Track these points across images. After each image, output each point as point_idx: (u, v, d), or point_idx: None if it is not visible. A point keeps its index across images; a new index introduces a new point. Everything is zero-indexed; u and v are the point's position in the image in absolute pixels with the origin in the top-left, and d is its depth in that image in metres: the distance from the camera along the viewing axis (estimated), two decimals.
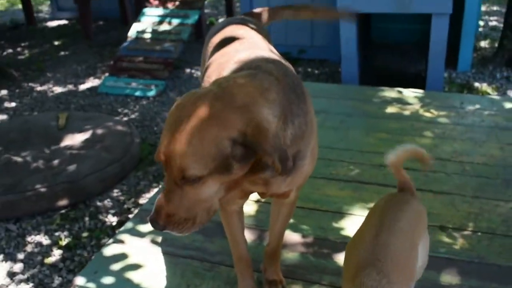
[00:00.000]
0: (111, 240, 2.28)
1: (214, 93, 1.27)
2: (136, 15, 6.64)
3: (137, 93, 5.20)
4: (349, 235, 2.23)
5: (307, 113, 1.42)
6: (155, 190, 3.27)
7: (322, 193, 2.55)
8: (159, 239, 2.25)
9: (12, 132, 3.97)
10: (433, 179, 2.67)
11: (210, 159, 1.19)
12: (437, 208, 2.42)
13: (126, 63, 5.60)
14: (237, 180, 1.29)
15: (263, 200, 2.47)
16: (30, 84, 5.76)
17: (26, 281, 2.66)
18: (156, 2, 6.11)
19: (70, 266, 2.74)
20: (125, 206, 3.25)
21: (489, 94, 4.63)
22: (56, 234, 3.00)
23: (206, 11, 8.45)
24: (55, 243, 2.93)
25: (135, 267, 2.08)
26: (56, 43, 7.45)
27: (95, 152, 3.53)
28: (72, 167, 3.37)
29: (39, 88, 5.61)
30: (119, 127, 3.97)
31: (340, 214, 2.38)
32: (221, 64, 1.61)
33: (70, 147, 3.67)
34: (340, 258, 2.09)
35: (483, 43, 6.21)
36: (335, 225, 2.31)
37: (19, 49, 7.25)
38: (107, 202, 3.29)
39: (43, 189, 3.18)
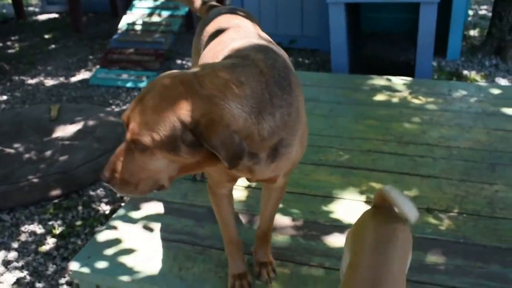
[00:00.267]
0: (104, 227, 2.31)
1: (186, 77, 1.32)
2: (126, 7, 6.64)
3: (129, 85, 5.22)
4: (338, 218, 2.27)
5: (291, 104, 1.44)
6: None
7: (312, 178, 2.59)
8: (152, 224, 2.29)
9: (4, 125, 3.99)
10: (420, 163, 2.72)
11: (159, 134, 1.25)
12: (425, 191, 2.47)
13: (117, 55, 5.62)
14: (194, 165, 1.34)
15: (253, 185, 2.51)
16: (21, 77, 5.76)
17: (21, 269, 2.69)
18: None
19: (64, 254, 2.78)
20: (118, 195, 3.28)
21: (477, 81, 4.68)
22: (50, 223, 3.03)
23: None
24: (48, 232, 2.96)
25: (128, 251, 2.12)
26: (46, 36, 7.43)
27: (87, 143, 3.55)
28: (64, 158, 3.40)
29: (30, 81, 5.61)
30: (111, 118, 4.00)
31: (329, 198, 2.42)
32: (216, 52, 1.64)
33: (62, 138, 3.69)
34: (328, 240, 2.13)
35: (473, 32, 6.26)
36: (324, 208, 2.35)
37: (9, 43, 7.23)
38: (100, 192, 3.32)
39: (35, 180, 3.20)
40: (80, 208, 3.15)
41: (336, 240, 2.13)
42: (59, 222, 3.04)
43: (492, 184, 2.50)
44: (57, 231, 2.95)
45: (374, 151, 2.86)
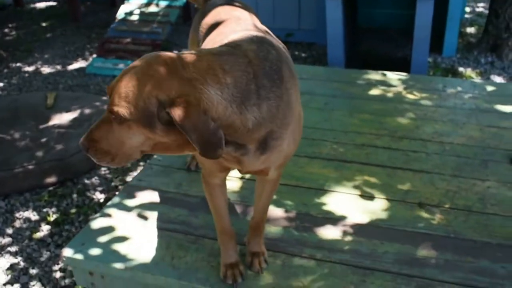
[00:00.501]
0: (98, 214, 2.33)
1: (171, 57, 1.34)
2: None
3: None
4: (330, 210, 2.30)
5: (280, 97, 1.45)
6: (142, 168, 3.31)
7: (305, 171, 2.62)
8: (145, 213, 2.31)
9: (0, 111, 3.99)
10: (413, 158, 2.74)
11: (136, 107, 1.29)
12: (417, 186, 2.49)
13: (114, 44, 5.61)
14: (169, 145, 1.36)
15: (247, 176, 2.53)
16: (18, 64, 5.75)
17: (15, 254, 2.71)
18: None
19: (58, 241, 2.79)
20: (112, 183, 3.29)
21: (473, 78, 4.70)
22: (44, 210, 3.05)
23: None
24: (43, 219, 2.97)
25: (122, 239, 2.14)
26: (44, 24, 7.41)
27: (83, 131, 3.56)
28: (60, 146, 3.41)
29: (27, 69, 5.60)
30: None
31: (322, 191, 2.44)
32: (216, 43, 1.64)
33: (58, 126, 3.70)
34: (320, 232, 2.16)
35: (469, 29, 6.28)
36: (317, 201, 2.37)
37: (6, 30, 7.21)
38: (95, 180, 3.34)
39: (31, 167, 3.22)
40: (74, 196, 3.17)
41: (328, 232, 2.15)
42: (53, 209, 3.05)
43: (484, 180, 2.53)
44: (52, 218, 2.96)
45: (368, 145, 2.88)
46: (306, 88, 3.64)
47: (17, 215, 3.02)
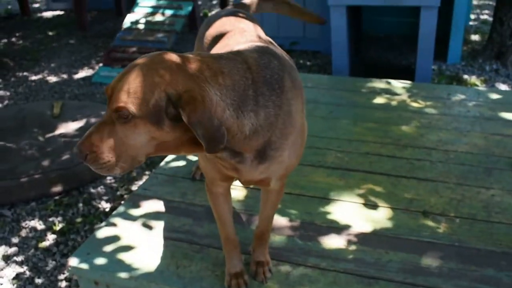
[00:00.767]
0: (103, 223, 2.34)
1: (173, 55, 1.35)
2: (131, 6, 6.67)
3: None
4: (335, 219, 2.30)
5: (280, 106, 1.46)
6: (147, 177, 3.33)
7: (310, 180, 2.62)
8: (150, 222, 2.32)
9: (7, 120, 4.03)
10: (418, 166, 2.74)
11: (144, 101, 1.26)
12: (421, 194, 2.49)
13: (120, 53, 5.65)
14: (172, 144, 1.35)
15: (252, 186, 2.54)
16: (25, 73, 5.80)
17: (21, 264, 2.72)
18: None
19: (64, 250, 2.81)
20: (118, 192, 3.31)
21: (477, 86, 4.70)
22: (50, 219, 3.07)
23: (199, 2, 8.49)
24: (49, 228, 2.99)
25: (127, 248, 2.15)
26: (50, 33, 7.48)
27: None
28: (65, 155, 3.43)
29: (33, 78, 5.65)
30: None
31: (326, 200, 2.45)
32: None
33: (64, 135, 3.73)
34: (325, 241, 2.16)
35: (474, 36, 6.29)
36: (321, 210, 2.38)
37: (13, 39, 7.28)
38: (100, 189, 3.36)
39: (37, 176, 3.24)
40: (80, 205, 3.19)
41: (332, 242, 2.15)
42: (59, 218, 3.07)
43: (488, 188, 2.53)
44: (57, 227, 2.98)
45: (372, 153, 2.89)
46: (311, 96, 3.65)
47: (23, 224, 3.04)
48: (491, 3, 7.99)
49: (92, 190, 3.34)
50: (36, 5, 9.60)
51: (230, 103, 1.35)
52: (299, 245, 2.14)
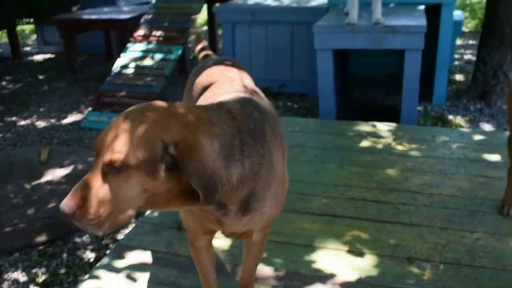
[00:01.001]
0: (87, 276, 2.32)
1: (165, 104, 1.37)
2: (121, 50, 6.75)
3: None
4: (320, 268, 2.30)
5: (263, 155, 1.48)
6: (133, 225, 3.31)
7: (295, 227, 2.62)
8: (135, 274, 2.30)
9: None
10: (403, 211, 2.76)
11: (140, 150, 1.24)
12: (406, 239, 2.50)
13: (109, 98, 5.68)
14: (164, 196, 1.32)
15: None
16: (14, 118, 5.81)
17: None
18: (140, 38, 6.23)
19: None
20: (103, 242, 3.28)
21: (462, 126, 4.76)
22: (33, 271, 3.02)
23: (189, 46, 8.59)
24: (32, 280, 2.94)
25: None
26: (41, 77, 7.52)
27: None
28: (52, 202, 3.42)
29: (22, 123, 5.65)
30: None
31: (312, 248, 2.45)
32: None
33: (51, 182, 3.72)
34: None
35: (458, 76, 6.39)
36: (307, 258, 2.37)
37: (4, 83, 7.31)
38: (86, 238, 3.32)
39: (22, 225, 3.21)
40: (64, 255, 3.15)
41: None
42: (43, 269, 3.03)
43: (472, 232, 2.54)
44: (41, 279, 2.94)
45: (358, 198, 2.90)
46: (298, 140, 3.69)
47: (5, 276, 3.00)
48: (474, 42, 8.15)
49: (77, 240, 3.31)
50: (28, 49, 9.68)
51: (220, 153, 1.36)
52: None
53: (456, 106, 5.30)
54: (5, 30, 8.84)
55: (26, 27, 11.31)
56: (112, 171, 1.24)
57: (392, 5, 5.04)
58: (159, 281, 2.24)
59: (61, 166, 3.97)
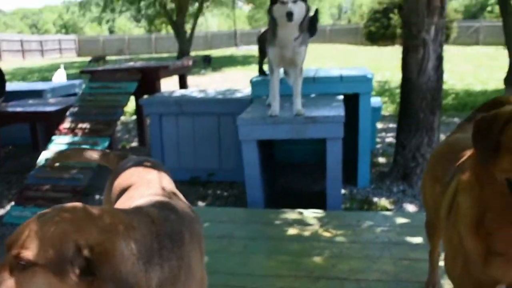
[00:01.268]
0: None
1: (85, 207, 1.37)
2: (47, 141, 6.64)
3: None
4: None
5: (182, 258, 1.49)
6: None
7: None
8: None
9: None
10: None
11: (49, 249, 1.23)
12: None
13: (33, 192, 5.51)
14: None
15: None
16: None
17: None
18: (65, 130, 6.18)
19: None
20: None
21: (387, 208, 4.93)
22: None
23: (118, 135, 8.58)
24: None
25: None
26: None
27: None
28: None
29: None
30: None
31: None
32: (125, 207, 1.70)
33: None
34: None
35: (381, 159, 6.69)
36: None
37: None
38: None
39: None
40: None
41: None
42: None
43: None
44: None
45: None
46: (226, 231, 3.69)
47: None
48: (394, 125, 8.61)
49: None
50: None
51: (139, 257, 1.36)
52: None
53: (380, 188, 5.51)
54: None
55: None
56: (18, 266, 1.24)
57: (313, 95, 5.31)
58: None
59: None
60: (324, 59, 24.37)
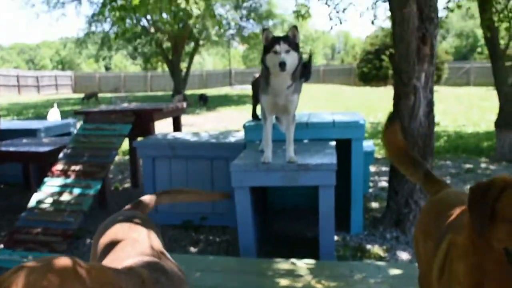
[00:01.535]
0: None
1: (72, 262, 1.33)
2: (40, 181, 6.60)
3: None
4: None
5: None
6: None
7: None
8: None
9: None
10: None
11: None
12: None
13: (23, 235, 5.44)
14: None
15: None
16: None
17: None
18: (58, 172, 6.15)
19: None
20: None
21: (380, 256, 4.89)
22: None
23: (111, 176, 8.55)
24: None
25: None
26: None
27: None
28: None
29: None
30: None
31: None
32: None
33: None
34: None
35: (374, 204, 6.68)
36: None
37: None
38: None
39: None
40: None
41: None
42: None
43: None
44: None
45: None
46: (218, 281, 3.64)
47: None
48: (387, 169, 8.63)
49: None
50: None
51: None
52: None
53: (373, 234, 5.48)
54: None
55: None
56: None
57: (305, 140, 5.33)
58: None
59: None
60: (317, 100, 24.62)
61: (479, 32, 29.88)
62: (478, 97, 25.90)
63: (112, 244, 1.94)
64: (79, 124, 7.91)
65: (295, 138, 4.50)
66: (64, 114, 17.67)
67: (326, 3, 12.72)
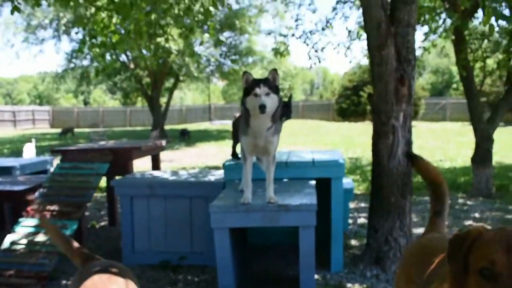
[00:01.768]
0: None
1: None
2: (15, 220, 6.45)
3: None
4: None
5: None
6: None
7: None
8: None
9: None
10: None
11: None
12: None
13: None
14: None
15: None
16: None
17: None
18: (33, 212, 6.02)
19: None
20: None
21: None
22: None
23: (87, 213, 8.41)
24: None
25: None
26: None
27: None
28: None
29: None
30: None
31: None
32: None
33: None
34: None
35: (354, 241, 6.66)
36: None
37: None
38: None
39: None
40: None
41: None
42: None
43: None
44: None
45: None
46: None
47: None
48: (366, 205, 8.65)
49: None
50: None
51: None
52: None
53: (353, 272, 5.44)
54: None
55: None
56: None
57: (285, 180, 5.33)
58: None
59: None
60: (296, 136, 24.78)
61: (454, 69, 30.64)
62: (454, 132, 26.36)
63: None
64: (56, 161, 7.82)
65: (275, 177, 4.50)
66: (41, 149, 17.49)
67: (304, 42, 12.91)
